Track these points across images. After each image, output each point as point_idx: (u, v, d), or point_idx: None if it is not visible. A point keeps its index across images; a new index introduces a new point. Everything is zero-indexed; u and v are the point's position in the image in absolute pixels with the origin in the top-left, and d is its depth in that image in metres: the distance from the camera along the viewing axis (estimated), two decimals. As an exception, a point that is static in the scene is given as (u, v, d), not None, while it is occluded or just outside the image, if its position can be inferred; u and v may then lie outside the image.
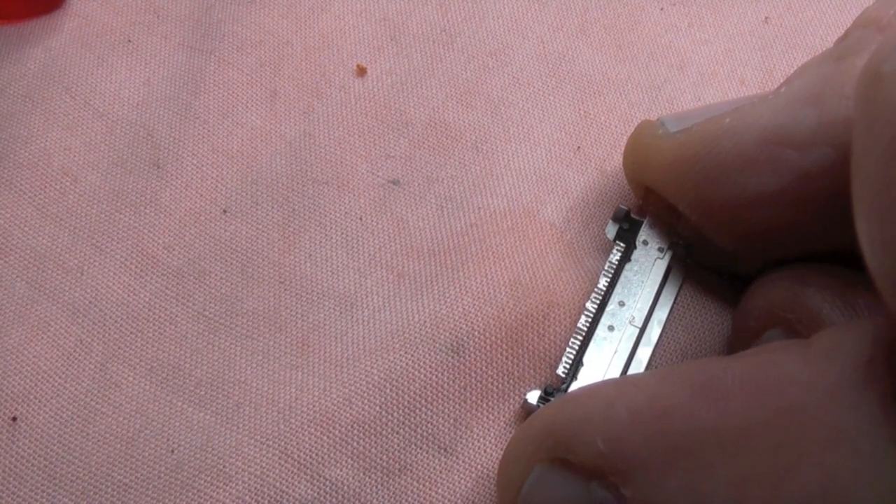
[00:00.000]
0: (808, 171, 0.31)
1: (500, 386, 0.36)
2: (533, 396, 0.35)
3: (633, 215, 0.38)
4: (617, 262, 0.38)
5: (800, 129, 0.32)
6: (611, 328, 0.36)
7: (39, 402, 0.36)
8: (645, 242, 0.38)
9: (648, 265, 0.37)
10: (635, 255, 0.38)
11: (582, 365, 0.36)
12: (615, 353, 0.36)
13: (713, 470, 0.26)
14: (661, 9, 0.44)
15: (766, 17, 0.44)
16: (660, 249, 0.38)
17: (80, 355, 0.37)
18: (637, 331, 0.37)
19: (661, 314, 0.37)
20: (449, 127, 0.42)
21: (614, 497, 0.27)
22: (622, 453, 0.27)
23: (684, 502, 0.26)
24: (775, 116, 0.32)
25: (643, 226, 0.38)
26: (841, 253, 0.32)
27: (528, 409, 0.36)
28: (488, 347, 0.37)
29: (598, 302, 0.37)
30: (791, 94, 0.33)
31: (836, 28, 0.44)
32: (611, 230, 0.38)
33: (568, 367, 0.36)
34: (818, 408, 0.25)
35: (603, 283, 0.37)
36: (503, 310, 0.37)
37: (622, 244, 0.38)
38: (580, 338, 0.36)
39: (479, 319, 0.37)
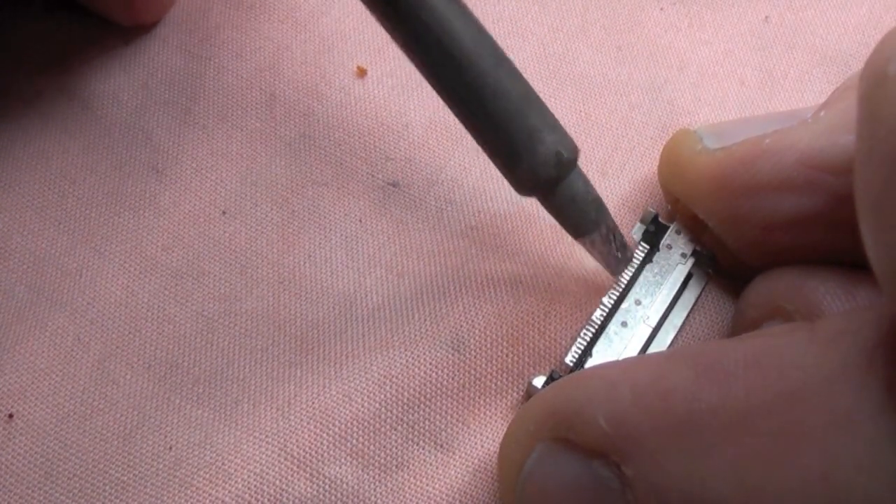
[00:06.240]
0: (843, 195, 0.31)
1: (499, 383, 0.36)
2: (539, 381, 0.35)
3: (660, 219, 0.39)
4: (639, 263, 0.38)
5: (838, 155, 0.32)
6: (624, 324, 0.36)
7: (36, 398, 0.36)
8: (668, 246, 0.38)
9: (669, 268, 0.38)
10: (657, 257, 0.38)
11: (591, 356, 0.36)
12: (625, 349, 0.36)
13: (715, 451, 0.26)
14: (661, 9, 0.44)
15: (767, 17, 0.44)
16: (682, 255, 0.38)
17: (77, 353, 0.37)
18: (650, 330, 0.37)
19: (676, 319, 0.37)
20: (449, 129, 0.41)
21: (616, 476, 0.27)
22: (624, 433, 0.27)
23: (686, 482, 0.26)
24: (814, 140, 0.33)
25: (669, 231, 0.38)
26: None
27: (531, 394, 0.35)
28: (489, 344, 0.36)
29: (615, 297, 0.37)
30: (830, 120, 0.33)
31: (837, 28, 0.44)
32: (637, 231, 0.39)
33: (577, 356, 0.36)
34: (821, 392, 0.25)
35: (622, 280, 0.37)
36: (504, 307, 0.37)
37: (646, 245, 0.38)
38: (592, 329, 0.36)
39: (480, 317, 0.37)
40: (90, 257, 0.39)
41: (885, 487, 0.24)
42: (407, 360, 0.36)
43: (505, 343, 0.37)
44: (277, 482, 0.34)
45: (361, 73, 0.43)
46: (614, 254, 0.36)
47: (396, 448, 0.35)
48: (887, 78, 0.24)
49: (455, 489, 0.35)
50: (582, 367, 0.36)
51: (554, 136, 0.33)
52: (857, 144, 0.25)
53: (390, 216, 0.40)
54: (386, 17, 0.32)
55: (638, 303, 0.37)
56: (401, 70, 0.43)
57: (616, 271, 0.37)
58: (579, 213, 0.35)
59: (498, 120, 0.32)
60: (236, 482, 0.34)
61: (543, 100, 0.42)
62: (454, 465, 0.35)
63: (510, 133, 0.33)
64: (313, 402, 0.36)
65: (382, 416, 0.36)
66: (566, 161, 0.33)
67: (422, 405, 0.36)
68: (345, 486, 0.35)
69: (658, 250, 0.38)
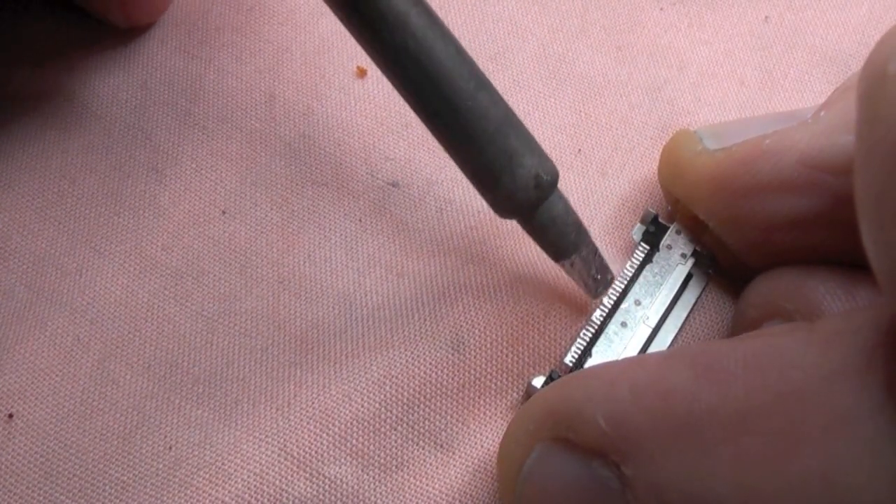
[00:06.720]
0: (843, 195, 0.31)
1: (499, 383, 0.36)
2: (538, 381, 0.35)
3: (660, 220, 0.39)
4: (639, 263, 0.38)
5: (838, 155, 0.32)
6: (623, 325, 0.36)
7: (36, 398, 0.36)
8: (668, 247, 0.38)
9: (669, 269, 0.38)
10: (657, 257, 0.38)
11: (590, 356, 0.36)
12: (625, 349, 0.36)
13: (714, 451, 0.26)
14: (661, 9, 0.44)
15: (766, 17, 0.44)
16: (682, 255, 0.38)
17: (77, 353, 0.37)
18: (650, 330, 0.37)
19: (676, 319, 0.37)
20: (449, 129, 0.41)
21: (615, 476, 0.27)
22: (624, 433, 0.27)
23: (684, 482, 0.26)
24: (814, 141, 0.33)
25: (669, 231, 0.38)
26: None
27: (531, 394, 0.35)
28: (488, 344, 0.36)
29: (614, 298, 0.37)
30: (830, 120, 0.33)
31: (837, 28, 0.44)
32: (637, 232, 0.39)
33: (577, 356, 0.36)
34: (820, 391, 0.25)
35: (621, 280, 0.37)
36: (504, 308, 0.37)
37: (646, 246, 0.38)
38: (592, 330, 0.36)
39: (480, 317, 0.37)
40: (90, 257, 0.39)
41: (885, 487, 0.24)
42: (407, 360, 0.36)
43: (505, 343, 0.37)
44: (277, 482, 0.34)
45: (361, 73, 0.43)
46: (593, 276, 0.36)
47: (396, 448, 0.35)
48: (886, 77, 0.24)
49: (455, 489, 0.35)
50: (581, 367, 0.36)
51: (533, 158, 0.33)
52: (857, 144, 0.25)
53: (390, 216, 0.40)
54: (364, 38, 0.32)
55: (638, 303, 0.37)
56: (401, 70, 0.43)
57: (595, 294, 0.37)
58: (559, 236, 0.35)
59: (477, 142, 0.32)
60: (236, 482, 0.34)
61: (544, 100, 0.42)
62: (454, 465, 0.35)
63: (489, 156, 0.32)
64: (313, 402, 0.36)
65: (382, 416, 0.36)
66: (546, 184, 0.33)
67: (422, 405, 0.36)
68: (345, 486, 0.35)
69: (658, 251, 0.38)
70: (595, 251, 0.36)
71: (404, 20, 0.31)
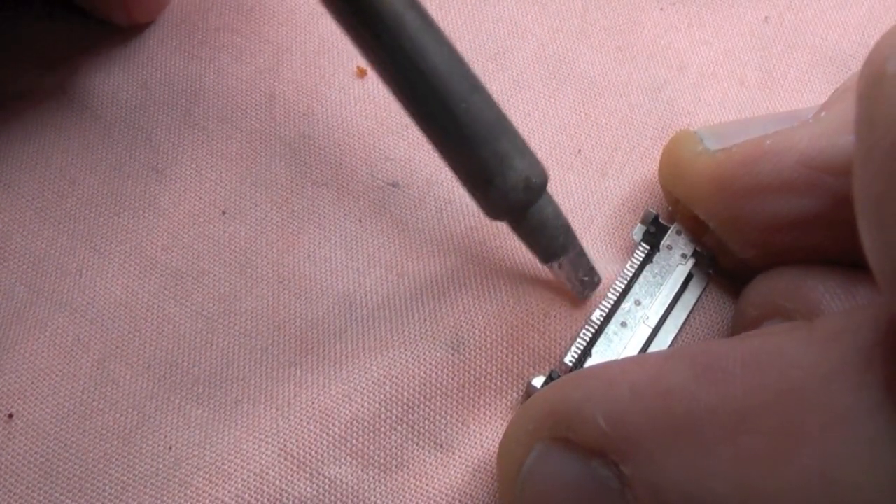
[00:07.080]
0: (843, 196, 0.31)
1: (498, 383, 0.36)
2: (538, 381, 0.35)
3: (661, 220, 0.39)
4: (639, 263, 0.38)
5: (838, 156, 0.32)
6: (623, 325, 0.36)
7: (36, 398, 0.36)
8: (669, 247, 0.38)
9: (669, 269, 0.38)
10: (657, 257, 0.38)
11: (590, 356, 0.36)
12: (624, 349, 0.36)
13: (713, 450, 0.26)
14: (661, 9, 0.44)
15: (766, 17, 0.44)
16: (682, 255, 0.38)
17: (77, 353, 0.37)
18: (649, 330, 0.37)
19: (676, 319, 0.37)
20: (449, 129, 0.41)
21: (615, 475, 0.27)
22: (623, 432, 0.27)
23: (684, 482, 0.26)
24: (815, 141, 0.33)
25: (669, 231, 0.38)
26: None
27: (530, 394, 0.35)
28: (488, 345, 0.36)
29: (614, 298, 0.37)
30: (830, 120, 0.33)
31: (837, 27, 0.44)
32: (638, 232, 0.39)
33: (576, 356, 0.36)
34: (819, 390, 0.25)
35: (621, 280, 0.37)
36: (504, 308, 0.37)
37: (647, 246, 0.38)
38: (592, 330, 0.36)
39: (480, 317, 0.37)
40: (90, 257, 0.39)
41: (884, 485, 0.24)
42: (406, 360, 0.36)
43: (504, 343, 0.37)
44: (277, 482, 0.34)
45: (361, 73, 0.43)
46: (581, 278, 0.37)
47: (396, 448, 0.35)
48: (885, 76, 0.24)
49: (455, 489, 0.35)
50: (581, 367, 0.36)
51: (524, 161, 0.33)
52: (856, 143, 0.25)
53: (390, 216, 0.40)
54: (360, 39, 0.33)
55: (638, 303, 0.37)
56: (401, 70, 0.43)
57: (582, 295, 0.37)
58: (548, 238, 0.35)
59: (470, 144, 0.33)
60: (236, 482, 0.34)
61: (544, 100, 0.42)
62: (454, 465, 0.35)
63: (481, 158, 0.33)
64: (313, 402, 0.36)
65: (382, 416, 0.36)
66: (536, 186, 0.34)
67: (422, 405, 0.36)
68: (345, 486, 0.35)
69: (658, 251, 0.38)
70: (582, 253, 0.36)
71: (400, 22, 0.31)
